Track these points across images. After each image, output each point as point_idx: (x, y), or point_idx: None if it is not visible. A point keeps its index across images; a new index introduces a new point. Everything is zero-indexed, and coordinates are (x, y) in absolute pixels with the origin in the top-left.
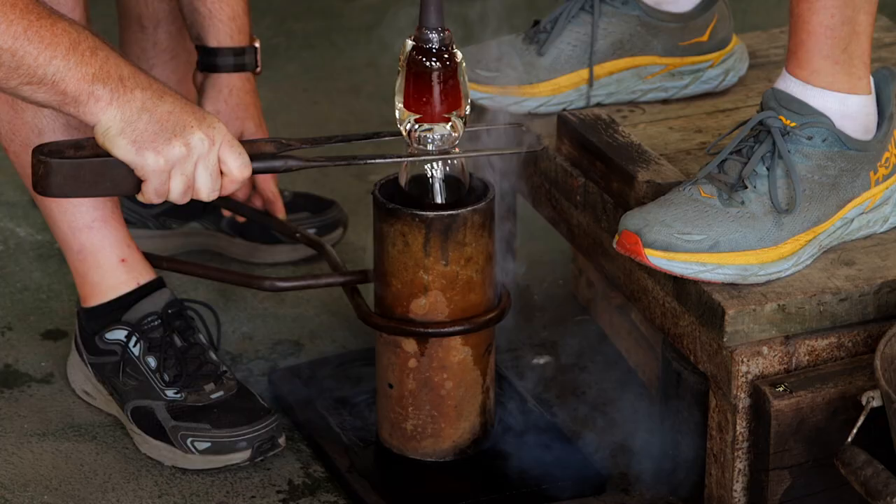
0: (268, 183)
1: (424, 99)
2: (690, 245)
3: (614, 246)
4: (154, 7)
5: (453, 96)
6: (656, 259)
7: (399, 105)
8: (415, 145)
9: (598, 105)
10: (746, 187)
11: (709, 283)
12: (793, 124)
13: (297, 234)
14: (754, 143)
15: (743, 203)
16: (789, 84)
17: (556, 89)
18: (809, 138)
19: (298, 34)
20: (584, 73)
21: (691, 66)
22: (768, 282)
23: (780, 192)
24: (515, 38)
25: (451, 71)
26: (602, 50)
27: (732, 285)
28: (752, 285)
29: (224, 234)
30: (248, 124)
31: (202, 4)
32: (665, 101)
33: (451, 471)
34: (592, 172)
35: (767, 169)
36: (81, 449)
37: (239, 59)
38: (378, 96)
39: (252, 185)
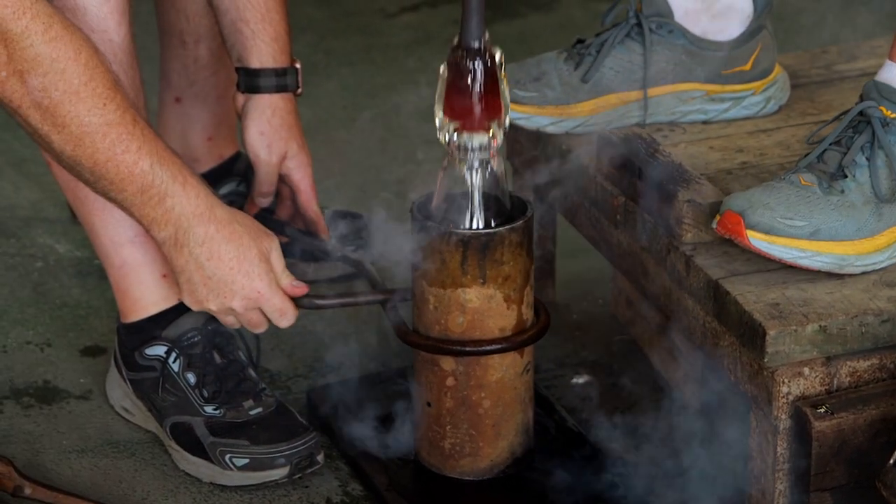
0: (310, 203)
1: (465, 107)
2: (792, 230)
3: (714, 226)
4: (195, 23)
5: (494, 105)
6: (758, 241)
7: (439, 114)
8: (455, 153)
9: (638, 125)
10: (846, 176)
11: (807, 270)
12: (893, 115)
13: (339, 254)
14: (854, 134)
15: (843, 192)
16: (893, 73)
17: (595, 109)
18: None
19: (338, 52)
20: (624, 95)
21: (732, 94)
22: (864, 273)
23: (882, 181)
24: (556, 56)
25: (491, 80)
26: (647, 77)
27: (829, 273)
28: (791, 308)
29: None
30: (292, 144)
31: (245, 25)
32: (706, 122)
33: (490, 490)
34: (633, 192)
35: (867, 159)
36: (120, 465)
37: (281, 80)
38: (417, 114)
39: (294, 205)
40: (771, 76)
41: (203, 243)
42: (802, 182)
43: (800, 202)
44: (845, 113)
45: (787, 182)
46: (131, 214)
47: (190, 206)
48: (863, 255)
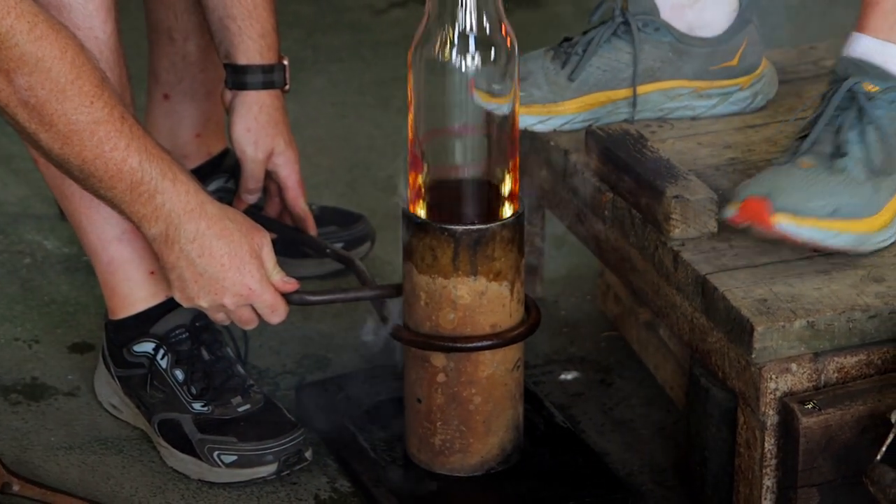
0: (298, 200)
1: None
2: (816, 211)
3: (729, 216)
4: (184, 20)
5: None
6: (785, 225)
7: None
8: None
9: (626, 122)
10: (844, 155)
11: (829, 250)
12: (875, 89)
13: (328, 250)
14: (839, 112)
15: (844, 170)
16: (866, 45)
17: (582, 107)
18: (892, 102)
19: (326, 48)
20: (612, 93)
21: (720, 90)
22: (875, 251)
23: (875, 155)
24: (543, 55)
25: None
26: (636, 76)
27: (845, 253)
28: (779, 304)
29: None
30: (279, 140)
31: (232, 22)
32: (694, 117)
33: (479, 486)
34: (621, 187)
35: (859, 135)
36: (108, 462)
37: (268, 77)
38: (406, 110)
39: (282, 202)
40: (758, 71)
41: (194, 240)
42: (804, 165)
43: (814, 183)
44: (829, 95)
45: (791, 165)
46: (121, 212)
47: (180, 202)
48: (875, 233)
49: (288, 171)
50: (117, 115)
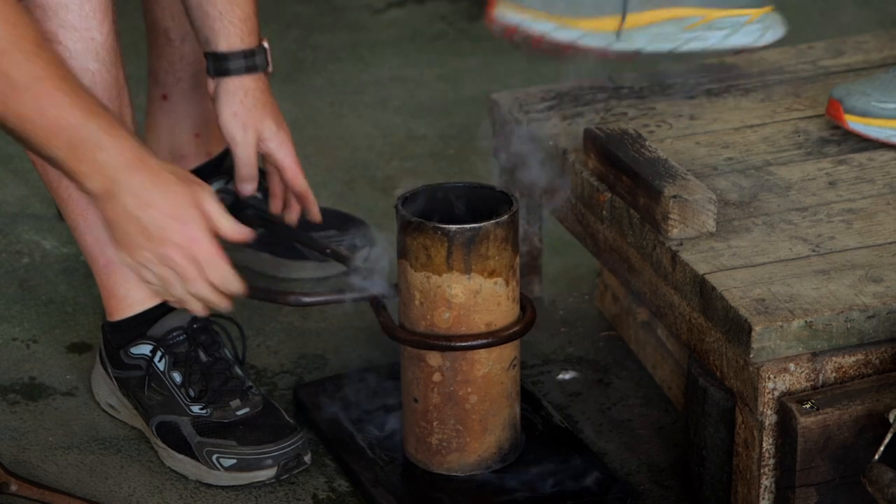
0: (297, 178)
1: None
2: (885, 112)
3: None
4: (181, 20)
5: None
6: (854, 123)
7: None
8: None
9: (638, 52)
10: None
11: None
12: None
13: (328, 250)
14: None
15: None
16: None
17: (598, 27)
18: None
19: (325, 47)
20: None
21: (730, 19)
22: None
23: None
24: None
25: None
26: (628, 4)
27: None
28: (777, 304)
29: (251, 249)
30: (268, 122)
31: (213, 7)
32: (692, 117)
33: (477, 485)
34: (619, 187)
35: None
36: (106, 462)
37: (250, 61)
38: (404, 110)
39: (284, 185)
40: (766, 8)
41: (136, 193)
42: None
43: (894, 88)
44: None
45: (891, 74)
46: (63, 170)
47: (122, 157)
48: None
49: (283, 153)
50: (59, 74)
